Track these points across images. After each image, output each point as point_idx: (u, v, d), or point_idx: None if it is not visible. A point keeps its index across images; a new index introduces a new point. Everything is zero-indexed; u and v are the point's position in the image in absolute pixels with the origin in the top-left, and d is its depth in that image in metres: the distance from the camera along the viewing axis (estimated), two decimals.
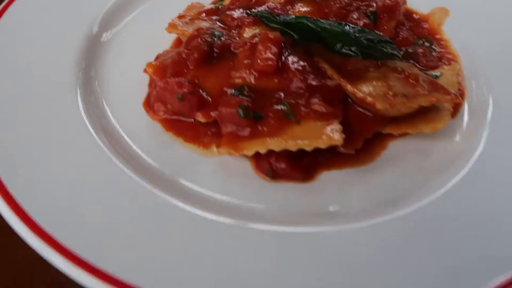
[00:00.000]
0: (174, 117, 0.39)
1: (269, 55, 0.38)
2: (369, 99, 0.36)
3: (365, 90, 0.37)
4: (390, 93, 0.37)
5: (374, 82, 0.38)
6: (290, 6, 0.47)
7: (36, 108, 0.37)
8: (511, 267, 0.29)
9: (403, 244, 0.30)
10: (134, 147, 0.37)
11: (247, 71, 0.39)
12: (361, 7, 0.47)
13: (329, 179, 0.36)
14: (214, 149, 0.38)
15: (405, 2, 0.49)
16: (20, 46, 0.42)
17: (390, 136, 0.39)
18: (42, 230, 0.29)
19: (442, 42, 0.49)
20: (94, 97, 0.40)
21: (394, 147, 0.39)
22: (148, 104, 0.40)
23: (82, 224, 0.30)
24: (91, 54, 0.43)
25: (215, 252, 0.29)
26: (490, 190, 0.34)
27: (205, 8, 0.48)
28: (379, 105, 0.36)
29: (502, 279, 0.28)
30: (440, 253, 0.30)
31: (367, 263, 0.29)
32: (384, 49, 0.40)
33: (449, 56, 0.47)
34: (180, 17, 0.46)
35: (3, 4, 0.44)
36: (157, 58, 0.43)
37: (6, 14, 0.43)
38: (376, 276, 0.28)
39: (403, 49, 0.46)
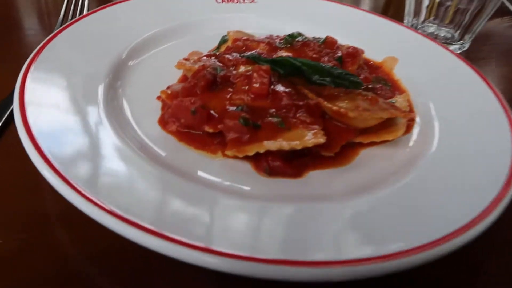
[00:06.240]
0: (185, 130, 0.46)
1: (262, 80, 0.47)
2: (342, 110, 0.44)
3: (339, 105, 0.46)
4: (359, 108, 0.46)
5: (346, 102, 0.47)
6: (273, 53, 0.55)
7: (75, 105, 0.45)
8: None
9: (367, 215, 0.37)
10: (155, 148, 0.43)
11: (245, 95, 0.46)
12: (330, 53, 0.55)
13: (315, 176, 0.43)
14: (220, 154, 0.44)
15: (363, 52, 0.58)
16: (67, 60, 0.51)
17: (361, 145, 0.47)
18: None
19: (394, 81, 0.58)
20: (119, 108, 0.48)
21: (364, 153, 0.46)
22: (163, 121, 0.47)
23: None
24: (119, 73, 0.53)
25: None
26: (435, 182, 0.41)
27: (205, 54, 0.57)
28: (351, 114, 0.44)
29: None
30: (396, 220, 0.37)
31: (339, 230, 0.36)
32: (351, 79, 0.50)
33: (399, 90, 0.57)
34: (186, 59, 0.54)
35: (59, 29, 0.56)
36: (168, 88, 0.50)
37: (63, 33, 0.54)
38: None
39: (365, 85, 0.53)
